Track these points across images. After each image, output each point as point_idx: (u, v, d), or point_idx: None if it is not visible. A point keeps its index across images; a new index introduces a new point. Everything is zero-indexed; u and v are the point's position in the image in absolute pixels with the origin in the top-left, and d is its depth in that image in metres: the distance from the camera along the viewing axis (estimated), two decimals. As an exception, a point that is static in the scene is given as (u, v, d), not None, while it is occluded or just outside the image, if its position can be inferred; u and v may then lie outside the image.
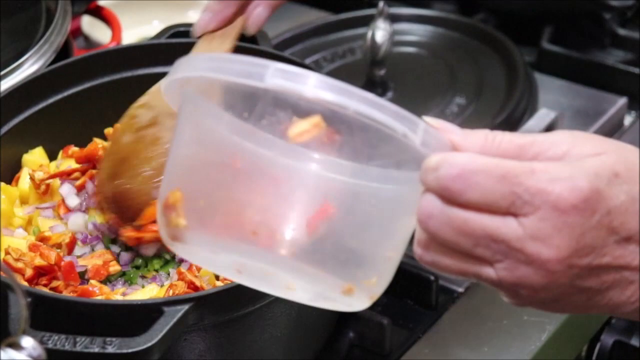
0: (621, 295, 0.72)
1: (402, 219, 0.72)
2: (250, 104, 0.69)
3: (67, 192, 1.03)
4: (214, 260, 0.74)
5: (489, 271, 0.70)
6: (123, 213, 0.99)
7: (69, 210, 1.03)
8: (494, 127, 1.24)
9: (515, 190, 0.67)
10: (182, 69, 0.71)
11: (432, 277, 1.14)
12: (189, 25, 1.16)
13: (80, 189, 1.04)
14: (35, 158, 1.11)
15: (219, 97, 0.71)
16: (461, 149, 0.71)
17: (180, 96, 0.73)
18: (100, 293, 0.94)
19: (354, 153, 0.69)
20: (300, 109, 0.68)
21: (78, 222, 1.02)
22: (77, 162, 1.07)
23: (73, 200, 1.03)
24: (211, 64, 0.69)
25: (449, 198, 0.68)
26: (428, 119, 0.71)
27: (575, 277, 0.69)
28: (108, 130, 1.10)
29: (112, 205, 1.00)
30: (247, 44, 1.14)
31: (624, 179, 0.70)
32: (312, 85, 0.67)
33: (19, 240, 1.01)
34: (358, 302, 0.73)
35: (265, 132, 0.68)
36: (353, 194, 0.70)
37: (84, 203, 1.03)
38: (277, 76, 0.67)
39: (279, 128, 0.69)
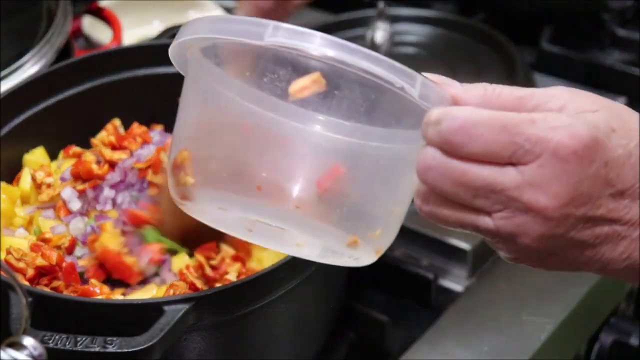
0: (613, 251, 0.72)
1: (404, 176, 0.73)
2: (252, 63, 0.71)
3: (69, 195, 1.04)
4: (224, 219, 0.75)
5: (486, 221, 0.70)
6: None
7: (69, 212, 1.03)
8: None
9: (516, 140, 0.68)
10: (186, 32, 0.73)
11: (431, 277, 1.15)
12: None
13: (81, 193, 1.05)
14: (36, 158, 1.11)
15: (233, 58, 0.73)
16: (461, 102, 0.72)
17: (186, 59, 0.75)
18: (101, 293, 0.95)
19: (354, 108, 0.70)
20: (299, 66, 0.70)
21: (79, 226, 1.02)
22: (75, 177, 1.06)
23: (75, 205, 1.03)
24: (212, 25, 0.71)
25: (451, 151, 0.69)
26: (428, 74, 0.72)
27: (571, 227, 0.70)
28: (94, 141, 1.10)
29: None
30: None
31: (620, 134, 0.70)
32: (311, 42, 0.68)
33: (20, 240, 1.01)
34: (364, 255, 0.75)
35: (266, 90, 0.70)
36: (357, 153, 0.71)
37: (85, 207, 1.04)
38: (275, 35, 0.68)
39: (279, 85, 0.70)
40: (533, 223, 0.69)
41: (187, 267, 0.96)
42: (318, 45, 0.68)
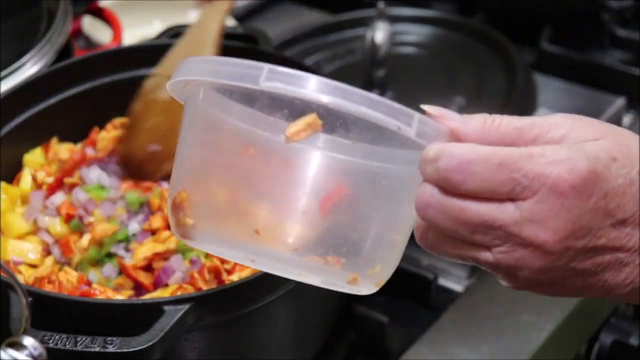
0: (616, 277, 0.72)
1: (405, 201, 0.72)
2: (249, 105, 0.71)
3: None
4: (226, 253, 0.76)
5: (487, 255, 0.70)
6: (132, 172, 1.05)
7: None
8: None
9: (514, 176, 0.68)
10: (181, 72, 0.73)
11: (431, 277, 1.15)
12: (189, 25, 1.16)
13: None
14: (36, 158, 1.11)
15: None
16: (460, 135, 0.71)
17: (185, 93, 0.75)
18: (101, 293, 0.95)
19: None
20: (295, 108, 0.70)
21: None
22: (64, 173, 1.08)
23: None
24: (207, 66, 0.71)
25: (449, 189, 0.69)
26: (427, 107, 0.71)
27: (571, 259, 0.70)
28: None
29: (123, 165, 1.05)
30: (247, 44, 1.14)
31: (622, 162, 0.70)
32: (305, 87, 0.68)
33: (24, 245, 1.02)
34: (365, 288, 0.75)
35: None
36: (360, 172, 0.71)
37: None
38: (271, 78, 0.68)
39: (275, 129, 0.70)
40: (533, 257, 0.69)
41: (201, 270, 0.96)
42: (313, 90, 0.68)
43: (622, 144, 0.71)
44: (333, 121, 0.70)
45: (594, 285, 0.72)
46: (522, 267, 0.70)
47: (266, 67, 0.68)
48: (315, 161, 0.70)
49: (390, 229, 0.74)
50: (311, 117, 0.69)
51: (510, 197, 0.68)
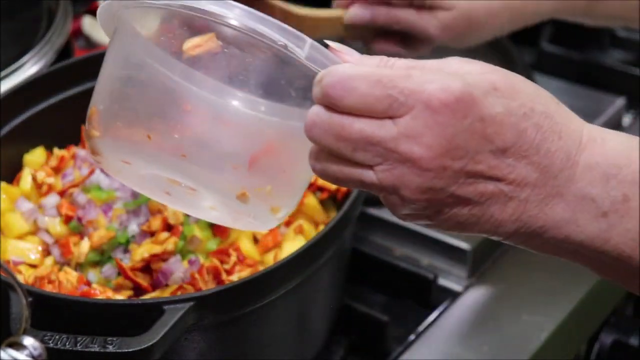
0: (502, 213, 0.73)
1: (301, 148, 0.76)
2: (156, 22, 0.78)
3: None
4: (139, 178, 0.81)
5: (370, 174, 0.72)
6: None
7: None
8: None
9: (391, 92, 0.70)
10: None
11: (431, 277, 1.15)
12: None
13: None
14: (36, 158, 1.11)
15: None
16: None
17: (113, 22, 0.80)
18: (101, 293, 0.95)
19: (247, 70, 0.75)
20: (194, 26, 0.75)
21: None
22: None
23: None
24: None
25: (331, 105, 0.71)
26: (330, 42, 0.75)
27: (451, 180, 0.71)
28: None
29: None
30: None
31: (503, 93, 0.72)
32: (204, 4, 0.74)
33: (24, 245, 1.02)
34: (261, 214, 0.78)
35: (162, 47, 0.75)
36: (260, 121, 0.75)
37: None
38: None
39: (175, 43, 0.75)
40: (411, 174, 0.71)
41: (200, 270, 0.96)
42: (211, 4, 0.73)
43: (509, 79, 0.73)
44: (228, 41, 0.75)
45: (480, 218, 0.73)
46: (402, 186, 0.72)
47: None
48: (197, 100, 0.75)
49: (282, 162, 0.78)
50: (209, 35, 0.75)
51: (388, 115, 0.71)
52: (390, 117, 0.70)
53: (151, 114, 0.76)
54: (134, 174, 0.81)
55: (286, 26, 0.73)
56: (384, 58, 0.74)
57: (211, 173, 0.76)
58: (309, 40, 0.73)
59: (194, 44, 0.75)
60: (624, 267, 0.74)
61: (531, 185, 0.73)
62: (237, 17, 0.73)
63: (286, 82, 0.76)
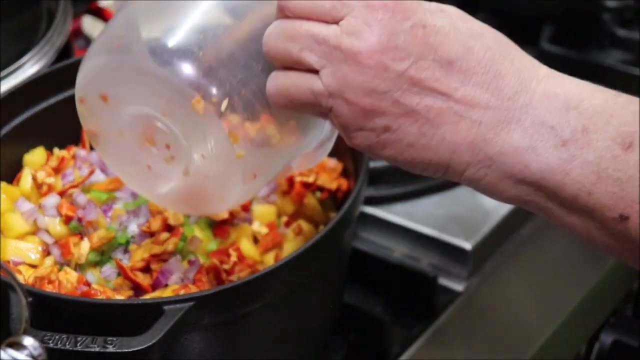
0: (455, 134, 0.74)
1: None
2: None
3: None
4: (120, 143, 0.90)
5: (317, 81, 0.75)
6: None
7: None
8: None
9: None
10: None
11: (431, 277, 1.15)
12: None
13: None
14: (36, 158, 1.11)
15: None
16: None
17: None
18: (101, 293, 0.95)
19: None
20: None
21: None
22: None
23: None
24: None
25: (285, 13, 0.77)
26: None
27: (393, 84, 0.73)
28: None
29: None
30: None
31: (450, 15, 0.76)
32: None
33: (24, 245, 1.02)
34: (213, 129, 0.82)
35: None
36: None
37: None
38: None
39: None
40: (352, 73, 0.74)
41: (200, 270, 0.96)
42: None
43: (465, 14, 0.77)
44: None
45: (431, 139, 0.74)
46: (346, 87, 0.74)
47: None
48: None
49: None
50: None
51: (333, 17, 0.75)
52: (335, 20, 0.75)
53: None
54: (115, 124, 0.87)
55: None
56: None
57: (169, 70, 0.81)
58: None
59: None
60: (583, 207, 0.72)
61: (483, 106, 0.73)
62: None
63: None
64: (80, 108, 0.90)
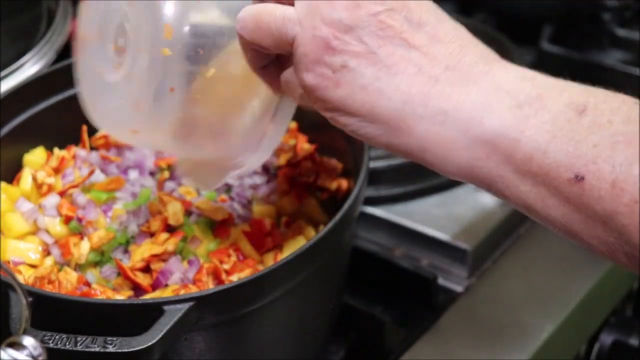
0: (410, 86, 0.74)
1: None
2: None
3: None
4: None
5: (289, 9, 0.78)
6: None
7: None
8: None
9: None
10: None
11: (431, 277, 1.15)
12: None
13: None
14: (36, 158, 1.11)
15: None
16: None
17: None
18: (101, 293, 0.95)
19: None
20: None
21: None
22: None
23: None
24: None
25: None
26: None
27: (361, 21, 0.74)
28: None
29: None
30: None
31: None
32: None
33: (24, 245, 1.02)
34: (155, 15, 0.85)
35: None
36: None
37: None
38: None
39: None
40: (325, 5, 0.75)
41: (200, 271, 0.96)
42: None
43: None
44: None
45: (387, 84, 0.75)
46: (315, 16, 0.76)
47: None
48: None
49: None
50: None
51: None
52: None
53: None
54: (95, 20, 0.90)
55: None
56: None
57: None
58: None
59: None
60: (537, 171, 0.72)
61: (442, 66, 0.74)
62: None
63: None
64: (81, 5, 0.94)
